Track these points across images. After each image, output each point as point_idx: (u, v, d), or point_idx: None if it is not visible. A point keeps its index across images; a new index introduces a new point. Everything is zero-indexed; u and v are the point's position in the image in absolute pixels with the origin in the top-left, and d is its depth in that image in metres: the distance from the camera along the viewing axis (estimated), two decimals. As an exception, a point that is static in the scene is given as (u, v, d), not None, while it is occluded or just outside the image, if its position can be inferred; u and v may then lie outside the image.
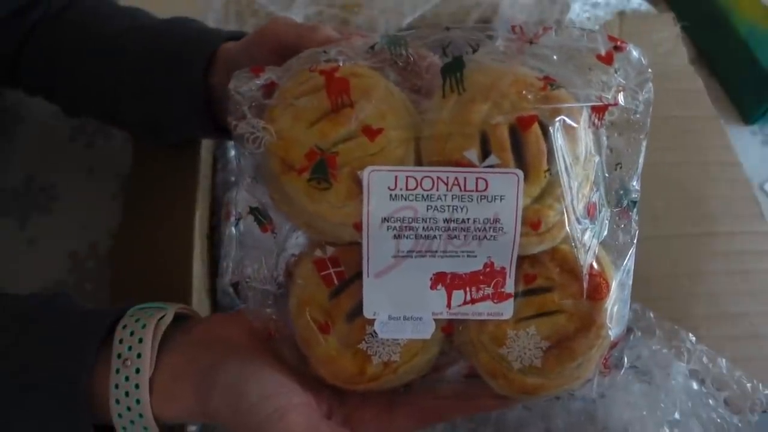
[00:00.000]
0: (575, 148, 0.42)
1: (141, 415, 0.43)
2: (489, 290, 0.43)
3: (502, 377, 0.43)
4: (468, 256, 0.42)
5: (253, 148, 0.43)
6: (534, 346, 0.43)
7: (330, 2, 0.73)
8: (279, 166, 0.42)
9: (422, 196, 0.41)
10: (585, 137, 0.43)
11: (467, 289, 0.43)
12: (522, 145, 0.41)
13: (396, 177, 0.41)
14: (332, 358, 0.44)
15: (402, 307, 0.43)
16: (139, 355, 0.44)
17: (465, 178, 0.41)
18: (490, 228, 0.41)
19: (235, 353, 0.45)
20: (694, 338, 0.53)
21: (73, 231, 0.72)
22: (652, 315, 0.54)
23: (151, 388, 0.44)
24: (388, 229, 0.41)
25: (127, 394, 0.43)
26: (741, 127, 0.83)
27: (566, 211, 0.42)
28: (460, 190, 0.41)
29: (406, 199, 0.41)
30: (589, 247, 0.43)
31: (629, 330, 0.50)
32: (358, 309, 0.43)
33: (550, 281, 0.43)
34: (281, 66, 0.45)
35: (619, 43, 0.44)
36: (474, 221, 0.41)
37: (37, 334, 0.46)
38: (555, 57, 0.44)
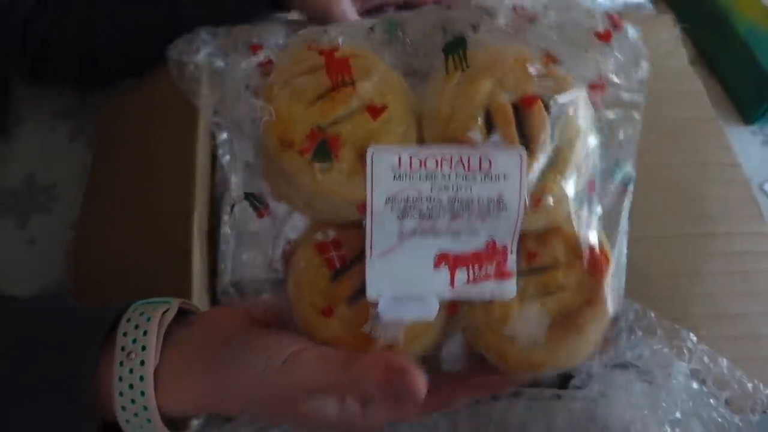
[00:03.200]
0: (576, 125, 0.43)
1: (145, 408, 0.43)
2: (491, 269, 0.42)
3: (508, 355, 0.44)
4: (471, 234, 0.42)
5: (250, 129, 0.42)
6: (539, 323, 0.43)
7: None
8: (278, 145, 0.42)
9: (426, 176, 0.41)
10: (585, 114, 0.43)
11: (470, 267, 0.42)
12: (525, 121, 0.42)
13: (399, 157, 0.41)
14: (334, 341, 0.43)
15: (405, 287, 0.43)
16: (143, 347, 0.44)
17: (469, 158, 0.41)
18: (494, 207, 0.41)
19: (239, 333, 0.45)
20: (695, 338, 0.53)
21: (73, 231, 0.72)
22: (653, 315, 0.54)
23: (156, 381, 0.43)
24: (392, 210, 0.41)
25: (131, 386, 0.43)
26: (741, 127, 0.83)
27: (567, 187, 0.42)
28: (464, 169, 0.41)
29: (410, 179, 0.41)
30: (590, 223, 0.44)
31: (631, 329, 0.51)
32: (360, 291, 0.43)
33: (553, 259, 0.44)
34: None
35: (616, 21, 0.46)
36: (478, 200, 0.41)
37: (38, 335, 0.46)
38: (555, 36, 0.45)
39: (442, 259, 0.42)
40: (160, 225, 0.62)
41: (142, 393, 0.43)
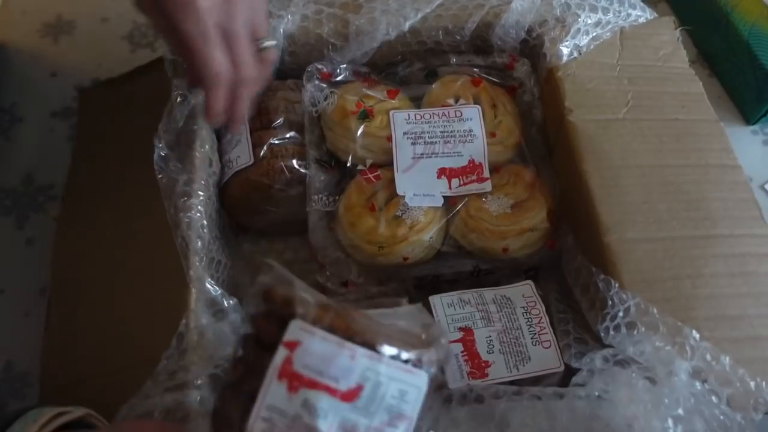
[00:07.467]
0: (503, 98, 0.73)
1: None
2: (473, 177, 0.67)
3: (485, 228, 0.65)
4: (457, 156, 0.67)
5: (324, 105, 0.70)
6: (505, 203, 0.66)
7: (329, 1, 0.73)
8: (340, 115, 0.68)
9: (425, 121, 0.69)
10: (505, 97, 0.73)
11: (460, 177, 0.67)
12: (479, 96, 0.72)
13: (409, 114, 0.69)
14: (374, 227, 0.63)
15: (420, 189, 0.65)
16: None
17: (448, 111, 0.70)
18: (467, 135, 0.68)
19: None
20: (697, 335, 0.53)
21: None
22: (655, 311, 0.54)
23: None
24: (407, 139, 0.67)
25: None
26: (742, 127, 0.83)
27: (512, 132, 0.70)
28: (446, 117, 0.69)
29: (416, 123, 0.68)
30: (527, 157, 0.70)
31: (633, 324, 0.52)
32: (391, 196, 0.65)
33: (510, 173, 0.68)
34: None
35: (516, 57, 0.75)
36: (457, 131, 0.68)
37: None
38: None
39: (441, 172, 0.67)
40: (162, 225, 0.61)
41: None
